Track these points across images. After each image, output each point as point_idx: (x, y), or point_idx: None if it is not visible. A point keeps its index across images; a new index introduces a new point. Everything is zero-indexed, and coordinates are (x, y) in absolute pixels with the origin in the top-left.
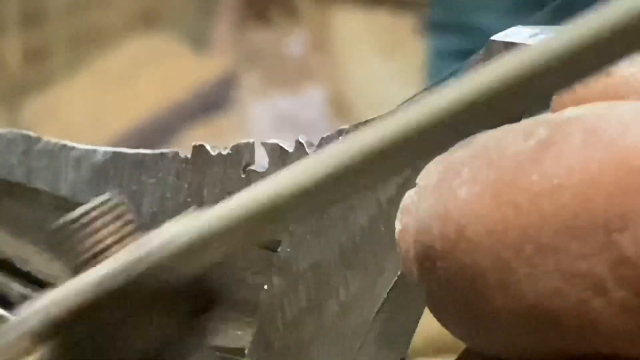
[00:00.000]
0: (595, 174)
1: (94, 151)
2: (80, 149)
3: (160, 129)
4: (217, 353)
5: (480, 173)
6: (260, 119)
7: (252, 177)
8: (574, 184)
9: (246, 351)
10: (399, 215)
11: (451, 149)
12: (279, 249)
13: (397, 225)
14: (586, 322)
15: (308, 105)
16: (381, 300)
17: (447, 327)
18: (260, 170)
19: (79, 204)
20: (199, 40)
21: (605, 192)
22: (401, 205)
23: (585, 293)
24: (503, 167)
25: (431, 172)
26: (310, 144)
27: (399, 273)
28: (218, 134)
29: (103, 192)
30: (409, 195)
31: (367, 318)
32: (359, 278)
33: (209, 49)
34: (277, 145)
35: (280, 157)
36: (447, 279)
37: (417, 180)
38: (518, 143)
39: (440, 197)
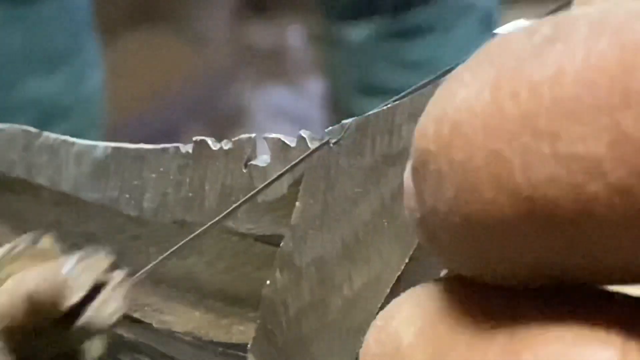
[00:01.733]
0: (599, 58)
1: (95, 146)
2: (81, 144)
3: (158, 123)
4: (220, 349)
5: (481, 73)
6: (258, 112)
7: (254, 171)
8: (576, 69)
9: (248, 346)
10: None
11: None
12: (281, 244)
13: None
14: (582, 208)
15: (306, 98)
16: (385, 295)
17: (433, 245)
18: (262, 165)
19: (80, 200)
20: (197, 34)
21: (609, 73)
22: None
23: (581, 177)
24: (504, 64)
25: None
26: (313, 138)
27: (402, 268)
28: (216, 128)
29: (104, 188)
30: None
31: (371, 313)
32: (362, 273)
33: (208, 42)
34: (279, 139)
35: (282, 152)
36: (438, 180)
37: None
38: (521, 42)
39: (439, 101)
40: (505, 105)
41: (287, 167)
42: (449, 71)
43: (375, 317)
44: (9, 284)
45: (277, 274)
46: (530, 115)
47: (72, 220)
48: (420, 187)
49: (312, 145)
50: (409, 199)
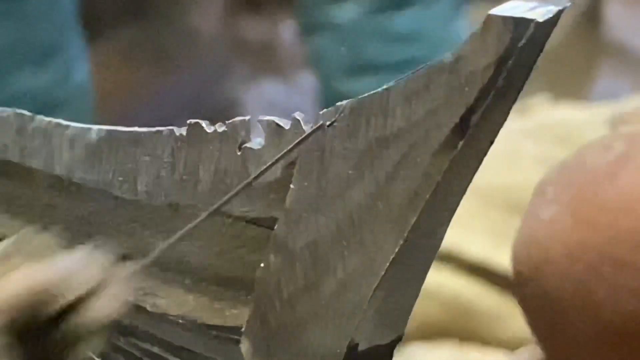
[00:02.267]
0: None
1: (89, 130)
2: (75, 128)
3: (150, 117)
4: (213, 332)
5: (561, 192)
6: (250, 106)
7: (248, 154)
8: None
9: (242, 329)
10: None
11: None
12: (275, 227)
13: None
14: None
15: (299, 92)
16: (379, 277)
17: (539, 344)
18: (256, 147)
19: (73, 183)
20: (190, 28)
21: None
22: None
23: None
24: (582, 184)
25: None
26: (307, 121)
27: (396, 250)
28: (210, 121)
29: (98, 171)
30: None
31: (365, 296)
32: (356, 256)
33: (200, 36)
34: (273, 122)
35: (276, 135)
36: (534, 305)
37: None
38: (596, 157)
39: (528, 221)
40: (586, 234)
41: (283, 152)
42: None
43: (368, 300)
44: (13, 277)
45: (271, 257)
46: (609, 245)
47: (65, 204)
48: (521, 305)
49: (307, 128)
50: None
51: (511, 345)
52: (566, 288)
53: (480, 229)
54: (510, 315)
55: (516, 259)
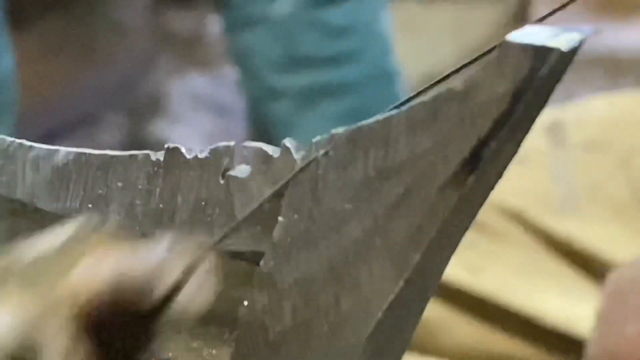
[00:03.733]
0: None
1: (55, 151)
2: (40, 149)
3: (76, 109)
4: None
5: None
6: (176, 99)
7: (232, 183)
8: None
9: None
10: None
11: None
12: (261, 262)
13: None
14: None
15: (226, 86)
16: (375, 321)
17: None
18: (241, 175)
19: (37, 210)
20: (116, 20)
21: None
22: None
23: None
24: None
25: (604, 294)
26: (298, 148)
27: (396, 291)
28: (134, 115)
29: (65, 197)
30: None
31: (359, 340)
32: (351, 296)
33: (127, 29)
34: (260, 149)
35: (264, 162)
36: None
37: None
38: None
39: (608, 331)
40: None
41: (277, 187)
42: (447, 77)
43: (363, 345)
44: (88, 264)
45: (256, 294)
46: None
47: (28, 232)
48: None
49: (297, 156)
50: None
51: (451, 354)
52: None
53: None
54: (451, 324)
55: None
